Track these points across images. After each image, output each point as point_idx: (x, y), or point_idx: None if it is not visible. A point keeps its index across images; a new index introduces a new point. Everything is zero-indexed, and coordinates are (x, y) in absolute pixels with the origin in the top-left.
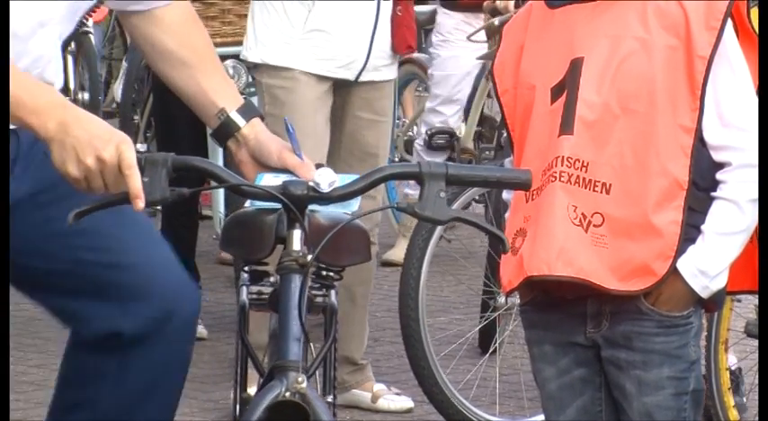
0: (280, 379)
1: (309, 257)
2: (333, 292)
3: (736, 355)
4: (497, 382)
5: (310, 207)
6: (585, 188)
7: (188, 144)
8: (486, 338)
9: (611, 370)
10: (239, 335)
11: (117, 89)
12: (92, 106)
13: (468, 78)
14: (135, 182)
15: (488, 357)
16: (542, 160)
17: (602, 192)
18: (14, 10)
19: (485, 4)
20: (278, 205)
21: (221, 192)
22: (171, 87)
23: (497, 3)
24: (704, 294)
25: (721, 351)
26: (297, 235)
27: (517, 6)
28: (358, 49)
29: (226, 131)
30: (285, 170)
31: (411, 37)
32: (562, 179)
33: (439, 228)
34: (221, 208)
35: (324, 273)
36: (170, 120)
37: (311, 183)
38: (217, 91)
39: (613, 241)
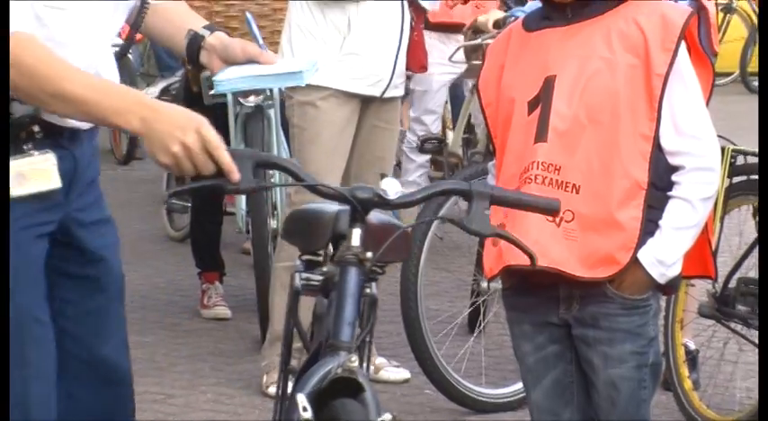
0: (333, 356)
1: (369, 254)
2: (374, 284)
3: (691, 333)
4: (483, 357)
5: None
6: (558, 189)
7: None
8: (473, 319)
9: (581, 346)
10: (289, 315)
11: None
12: None
13: (442, 90)
14: (225, 158)
15: (475, 335)
16: (520, 164)
17: (572, 192)
18: (66, 17)
19: (468, 24)
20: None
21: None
22: (150, 36)
23: (479, 20)
24: (662, 280)
25: (677, 329)
26: (357, 233)
27: (496, 26)
28: (384, 69)
29: (194, 45)
30: (249, 61)
31: (424, 57)
32: (537, 181)
33: (434, 227)
34: (243, 206)
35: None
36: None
37: (379, 191)
38: (184, 20)
39: (582, 235)
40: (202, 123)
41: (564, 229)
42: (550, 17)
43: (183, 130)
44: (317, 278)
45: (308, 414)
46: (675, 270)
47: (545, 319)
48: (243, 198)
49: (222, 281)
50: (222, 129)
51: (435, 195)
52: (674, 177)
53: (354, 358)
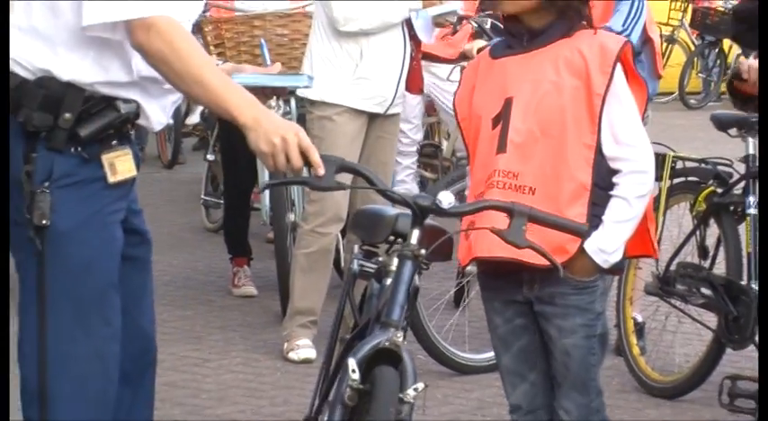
0: (383, 331)
1: (423, 251)
2: (417, 277)
3: (639, 308)
4: (466, 328)
5: None
6: (516, 192)
7: (244, 153)
8: (458, 297)
9: (541, 320)
10: (344, 293)
11: (191, 116)
12: (174, 129)
13: (420, 105)
14: (315, 157)
15: (460, 310)
16: (485, 171)
17: (528, 193)
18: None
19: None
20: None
21: (267, 191)
22: None
23: (465, 48)
24: (605, 266)
25: (627, 305)
26: (416, 234)
27: (480, 51)
28: (388, 90)
29: None
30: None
31: (420, 81)
32: (498, 186)
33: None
34: (267, 202)
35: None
36: (231, 138)
37: (436, 200)
38: None
39: (538, 229)
40: (300, 129)
41: (494, 228)
42: (511, 46)
43: (285, 130)
44: (371, 266)
45: (356, 375)
46: (616, 257)
47: (512, 298)
48: (267, 197)
49: (249, 265)
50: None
51: (484, 209)
52: (614, 179)
53: (400, 334)
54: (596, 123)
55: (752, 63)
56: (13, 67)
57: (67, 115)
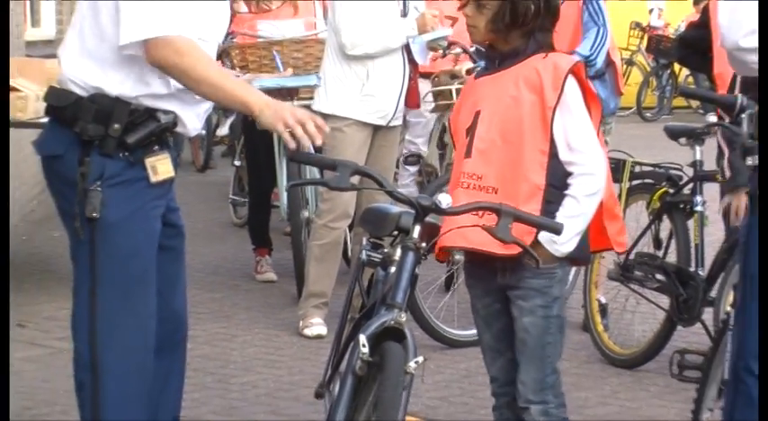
0: (389, 311)
1: (423, 245)
2: (418, 267)
3: (603, 291)
4: (455, 308)
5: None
6: (480, 191)
7: (265, 159)
8: (449, 282)
9: (511, 304)
10: (354, 279)
11: (221, 128)
12: (206, 139)
13: (432, 120)
14: (327, 128)
15: (450, 293)
16: (457, 174)
17: (491, 193)
18: (183, 26)
19: (437, 72)
20: None
21: (284, 192)
22: None
23: (455, 68)
24: (558, 254)
25: (592, 288)
26: (417, 229)
27: (468, 73)
28: (390, 106)
29: None
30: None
31: (417, 98)
32: (464, 186)
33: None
34: (285, 201)
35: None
36: (254, 146)
37: (435, 201)
38: None
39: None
40: (299, 108)
41: (486, 220)
42: (488, 67)
43: (294, 109)
44: (377, 255)
45: (366, 349)
46: (568, 247)
47: (490, 286)
48: (285, 196)
49: (270, 254)
50: (269, 147)
51: (475, 209)
52: (567, 180)
53: (404, 315)
54: (549, 132)
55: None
56: (70, 86)
57: (116, 126)
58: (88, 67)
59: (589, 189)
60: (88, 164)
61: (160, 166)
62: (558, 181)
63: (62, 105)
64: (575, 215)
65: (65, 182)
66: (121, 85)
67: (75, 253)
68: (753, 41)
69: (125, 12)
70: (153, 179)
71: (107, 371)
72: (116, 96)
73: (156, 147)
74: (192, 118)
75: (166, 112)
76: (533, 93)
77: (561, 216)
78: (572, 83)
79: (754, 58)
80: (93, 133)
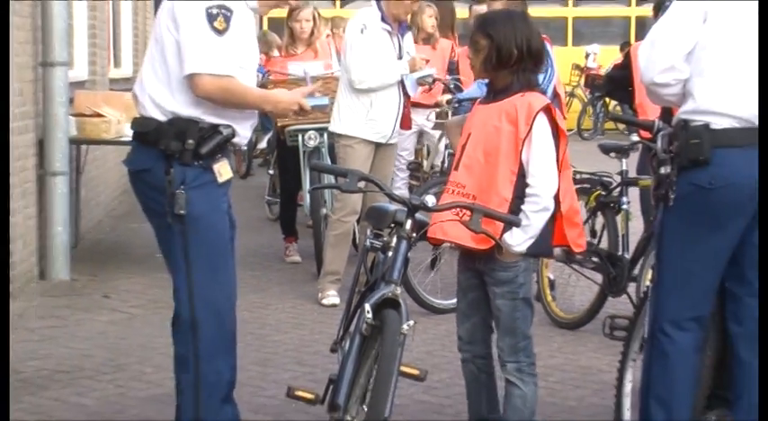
0: (387, 286)
1: (414, 235)
2: (409, 251)
3: (551, 270)
4: (438, 283)
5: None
6: (463, 197)
7: (292, 169)
8: (433, 263)
9: (487, 287)
10: (360, 261)
11: (259, 144)
12: (248, 152)
13: (411, 137)
14: (306, 105)
15: (434, 271)
16: (449, 182)
17: (471, 199)
18: (229, 62)
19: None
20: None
21: (307, 195)
22: None
23: (438, 99)
24: (515, 252)
25: (544, 268)
26: (409, 223)
27: (448, 103)
28: (389, 128)
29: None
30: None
31: (409, 122)
32: (450, 192)
33: None
34: (307, 201)
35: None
36: (284, 159)
37: (423, 201)
38: None
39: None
40: (298, 99)
41: (462, 219)
42: (488, 98)
43: (292, 102)
44: (378, 243)
45: (370, 315)
46: (521, 248)
47: (470, 266)
48: (308, 197)
49: (296, 242)
50: (296, 159)
51: (454, 207)
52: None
53: (399, 289)
54: (518, 158)
55: None
56: (150, 113)
57: (191, 141)
58: (163, 95)
59: (533, 207)
60: (172, 173)
61: (223, 170)
62: (522, 196)
63: (146, 131)
64: (524, 225)
65: (154, 188)
66: (190, 107)
67: (169, 242)
68: (665, 78)
69: (185, 48)
70: (220, 180)
71: (204, 333)
72: (188, 117)
73: (219, 154)
74: (245, 129)
75: (226, 127)
76: (511, 124)
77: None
78: (542, 120)
79: (667, 91)
80: (174, 149)
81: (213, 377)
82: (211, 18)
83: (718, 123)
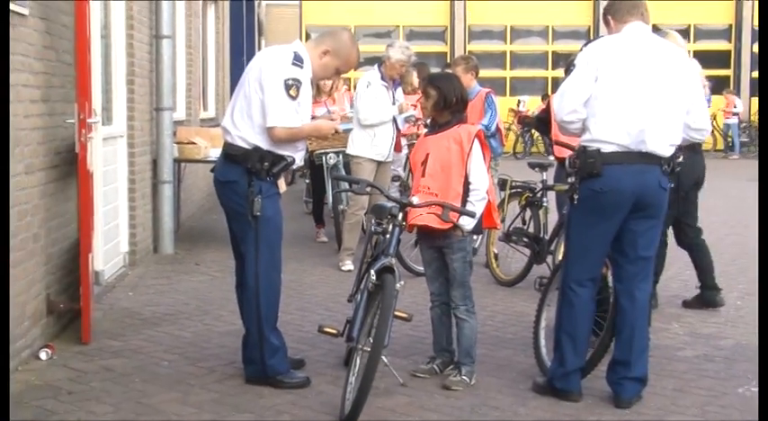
0: (385, 257)
1: (404, 224)
2: (400, 234)
3: (495, 245)
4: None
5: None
6: (429, 195)
7: (320, 179)
8: (416, 243)
9: (445, 255)
10: (367, 241)
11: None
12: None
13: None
14: (339, 128)
15: (416, 249)
16: (417, 186)
17: (434, 196)
18: (295, 113)
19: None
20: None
21: (330, 196)
22: None
23: (418, 132)
24: (466, 230)
25: (490, 245)
26: (401, 215)
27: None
28: (386, 151)
29: None
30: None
31: (400, 146)
32: (420, 192)
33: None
34: (330, 201)
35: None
36: (314, 173)
37: (410, 200)
38: None
39: (439, 212)
40: (328, 122)
41: (433, 211)
42: (431, 130)
43: (326, 128)
44: (380, 229)
45: (374, 277)
46: (470, 227)
47: (432, 244)
48: (330, 198)
49: (323, 227)
50: (322, 173)
51: (432, 204)
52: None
53: (393, 260)
54: (465, 167)
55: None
56: (240, 143)
57: (266, 164)
58: (249, 133)
59: (477, 197)
60: (253, 185)
61: (282, 184)
62: (468, 191)
63: (236, 154)
64: (469, 213)
65: (238, 194)
66: (266, 143)
67: (245, 234)
68: (571, 117)
69: (268, 107)
70: (280, 191)
71: (263, 291)
72: (266, 149)
73: (285, 170)
74: (299, 158)
75: (289, 156)
76: (457, 145)
77: (464, 212)
78: (477, 141)
79: (572, 126)
80: (257, 169)
81: (273, 321)
82: (288, 87)
83: (606, 148)
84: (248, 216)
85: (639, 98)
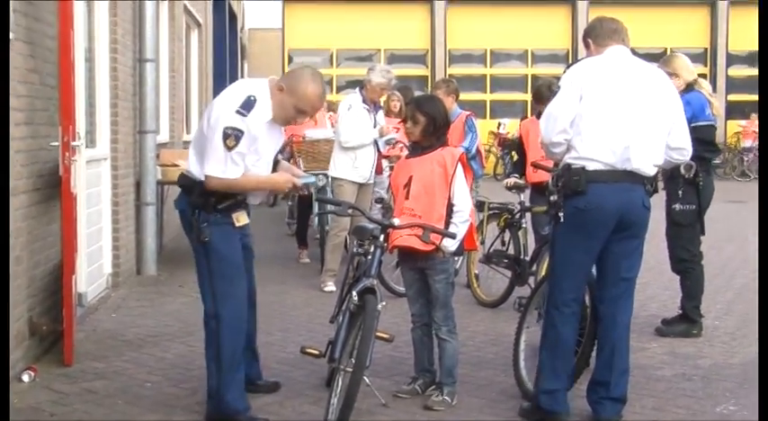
0: (367, 278)
1: (385, 245)
2: (382, 256)
3: (476, 266)
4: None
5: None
6: (414, 217)
7: (305, 204)
8: (398, 264)
9: (427, 277)
10: (349, 262)
11: None
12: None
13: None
14: (298, 183)
15: (397, 270)
16: (399, 208)
17: (418, 218)
18: (231, 164)
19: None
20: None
21: (315, 217)
22: None
23: (400, 154)
24: (448, 252)
25: (471, 266)
26: (383, 236)
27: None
28: (368, 172)
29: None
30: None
31: (381, 168)
32: (403, 214)
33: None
34: (316, 222)
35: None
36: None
37: (392, 222)
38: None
39: (421, 234)
40: (287, 176)
41: (415, 232)
42: (414, 153)
43: (284, 181)
44: (362, 250)
45: (356, 298)
46: (452, 249)
47: (413, 265)
48: (315, 219)
49: (306, 249)
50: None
51: (413, 226)
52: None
53: (375, 281)
54: (448, 189)
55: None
56: (188, 174)
57: (212, 199)
58: (196, 168)
59: (461, 219)
60: (199, 213)
61: (241, 218)
62: (451, 213)
63: (184, 183)
64: (452, 234)
65: (188, 223)
66: None
67: (199, 263)
68: (559, 138)
69: (206, 152)
70: (236, 224)
71: (223, 320)
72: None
73: (238, 207)
74: (253, 197)
75: (238, 194)
76: (441, 168)
77: (447, 234)
78: (459, 165)
79: (558, 149)
80: (199, 203)
81: (229, 355)
82: (225, 137)
83: (591, 166)
84: (197, 244)
85: (624, 117)
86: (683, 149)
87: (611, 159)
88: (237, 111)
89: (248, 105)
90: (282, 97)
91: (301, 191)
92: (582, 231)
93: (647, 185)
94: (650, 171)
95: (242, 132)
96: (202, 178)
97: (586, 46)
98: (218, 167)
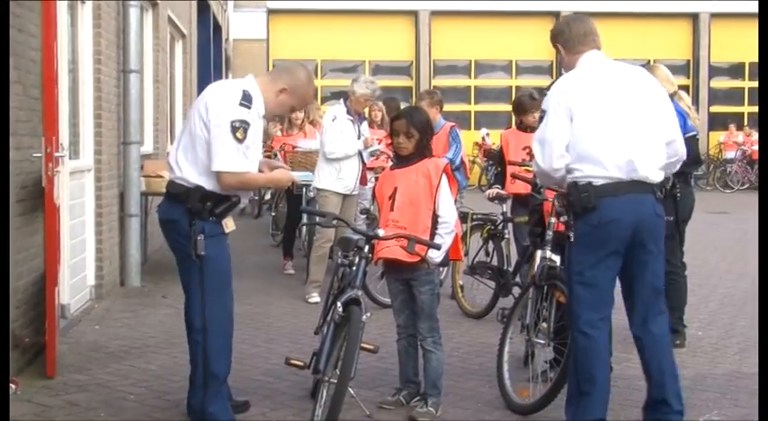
0: (352, 289)
1: (370, 256)
2: (366, 266)
3: (461, 277)
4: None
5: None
6: (399, 228)
7: (294, 212)
8: (383, 275)
9: (412, 288)
10: (334, 273)
11: (266, 194)
12: (258, 201)
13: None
14: (297, 180)
15: (382, 280)
16: (384, 219)
17: (405, 229)
18: (243, 157)
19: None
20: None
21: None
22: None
23: (384, 165)
24: (434, 263)
25: (456, 277)
26: (367, 247)
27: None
28: (352, 184)
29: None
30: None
31: (366, 179)
32: (389, 225)
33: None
34: (304, 232)
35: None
36: (291, 203)
37: (376, 233)
38: None
39: (407, 245)
40: (287, 173)
41: (400, 243)
42: (398, 164)
43: (283, 177)
44: (346, 261)
45: (341, 309)
46: (438, 260)
47: (399, 276)
48: (304, 229)
49: (292, 260)
50: (298, 204)
51: (398, 237)
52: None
53: (360, 292)
54: (433, 200)
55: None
56: (182, 182)
57: (209, 204)
58: (191, 173)
59: (447, 230)
60: (194, 225)
61: (229, 224)
62: (436, 224)
63: (178, 192)
64: (437, 245)
65: (181, 234)
66: (209, 184)
67: (190, 274)
68: (560, 163)
69: (213, 149)
70: (226, 231)
71: (212, 335)
72: (209, 189)
73: (228, 213)
74: (245, 198)
75: (234, 196)
76: (426, 178)
77: (432, 245)
78: (444, 175)
79: (558, 174)
80: (198, 208)
81: (216, 370)
82: (234, 130)
83: (597, 181)
84: (191, 256)
85: (620, 129)
86: (674, 142)
87: (617, 173)
88: (241, 104)
89: (248, 98)
90: (284, 98)
91: (299, 189)
92: (599, 248)
93: (657, 192)
94: (657, 177)
95: (248, 124)
96: (199, 183)
97: (556, 49)
98: (233, 162)
